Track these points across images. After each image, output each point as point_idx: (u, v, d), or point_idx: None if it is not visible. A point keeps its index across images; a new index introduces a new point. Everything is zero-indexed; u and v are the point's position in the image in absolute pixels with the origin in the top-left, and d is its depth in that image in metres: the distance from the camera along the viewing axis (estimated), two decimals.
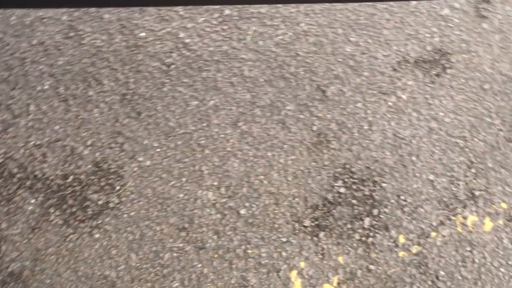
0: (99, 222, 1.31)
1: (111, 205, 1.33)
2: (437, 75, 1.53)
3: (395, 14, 1.58)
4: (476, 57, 1.55)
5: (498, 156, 1.45)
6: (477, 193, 1.41)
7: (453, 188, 1.41)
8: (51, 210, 1.31)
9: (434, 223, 1.37)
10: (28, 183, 1.33)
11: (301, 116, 1.46)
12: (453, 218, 1.38)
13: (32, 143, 1.37)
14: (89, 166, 1.36)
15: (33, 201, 1.31)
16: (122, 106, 1.42)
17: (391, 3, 1.58)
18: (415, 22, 1.58)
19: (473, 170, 1.43)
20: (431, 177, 1.42)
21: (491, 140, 1.47)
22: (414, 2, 1.57)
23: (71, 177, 1.34)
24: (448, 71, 1.53)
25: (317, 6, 1.54)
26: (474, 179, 1.43)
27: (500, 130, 1.48)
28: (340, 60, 1.52)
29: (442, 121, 1.48)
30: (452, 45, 1.56)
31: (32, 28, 1.52)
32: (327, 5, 1.56)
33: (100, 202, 1.33)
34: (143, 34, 1.49)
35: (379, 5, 1.58)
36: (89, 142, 1.38)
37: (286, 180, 1.40)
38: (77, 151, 1.37)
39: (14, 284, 1.25)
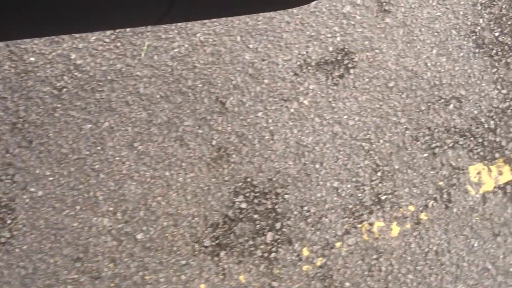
0: None
1: (2, 240, 1.28)
2: (340, 76, 1.48)
3: (295, 16, 1.52)
4: (379, 54, 1.50)
5: (404, 156, 1.41)
6: (383, 197, 1.37)
7: (358, 194, 1.37)
8: None
9: (339, 233, 1.33)
10: None
11: (200, 131, 1.41)
12: (359, 225, 1.34)
13: None
14: None
15: None
16: (13, 136, 1.37)
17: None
18: (315, 23, 1.52)
19: (379, 174, 1.39)
20: (336, 184, 1.38)
21: (397, 140, 1.42)
22: (314, 2, 1.52)
23: None
24: (352, 71, 1.48)
25: None
26: (380, 182, 1.38)
27: (406, 129, 1.43)
28: (239, 69, 1.47)
29: (346, 124, 1.43)
30: (354, 44, 1.51)
31: None
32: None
33: None
34: (32, 59, 1.44)
35: None
36: None
37: (185, 199, 1.35)
38: None
39: None
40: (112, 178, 1.35)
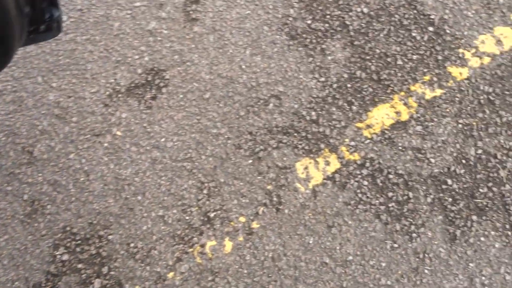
0: None
1: None
2: (153, 98, 1.41)
3: (98, 43, 1.43)
4: (192, 66, 1.44)
5: (229, 167, 1.36)
6: (212, 214, 1.32)
7: (186, 218, 1.31)
8: None
9: (171, 262, 1.27)
10: None
11: (9, 188, 1.31)
12: (190, 250, 1.28)
13: None
14: None
15: None
16: None
17: (92, 31, 1.44)
18: (121, 46, 1.43)
19: (205, 191, 1.34)
20: (161, 212, 1.32)
21: (219, 153, 1.37)
22: (118, 24, 1.44)
23: None
24: (164, 90, 1.41)
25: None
26: (208, 200, 1.33)
27: (228, 138, 1.39)
28: (44, 112, 1.37)
29: (165, 147, 1.37)
30: (164, 61, 1.44)
31: None
32: (19, 53, 1.41)
33: None
34: None
35: (79, 38, 1.44)
36: None
37: (1, 265, 1.26)
38: None
39: None
40: None
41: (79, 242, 1.25)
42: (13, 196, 1.27)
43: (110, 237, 1.25)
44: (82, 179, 1.29)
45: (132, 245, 1.25)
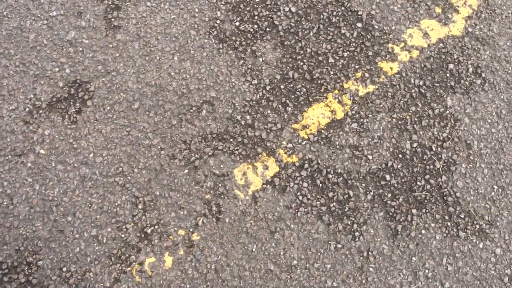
0: None
1: None
2: (78, 112, 1.39)
3: (13, 56, 1.40)
4: (117, 76, 1.43)
5: (164, 179, 1.38)
6: (149, 230, 1.33)
7: (122, 235, 1.32)
8: None
9: (108, 284, 1.26)
10: None
11: None
12: (128, 269, 1.29)
13: None
14: None
15: None
16: None
17: (5, 45, 1.40)
18: (39, 59, 1.41)
19: (140, 206, 1.34)
20: (94, 232, 1.31)
21: (153, 165, 1.38)
22: (32, 35, 1.41)
23: None
24: (89, 102, 1.40)
25: None
26: (143, 215, 1.34)
27: (161, 149, 1.40)
28: None
29: (94, 163, 1.36)
30: (87, 72, 1.42)
31: None
32: None
33: None
34: None
35: None
36: None
37: None
38: None
39: None
40: None
41: (5, 271, 1.22)
42: None
43: (40, 262, 1.24)
44: (5, 203, 1.27)
45: (64, 269, 1.24)
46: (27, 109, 1.34)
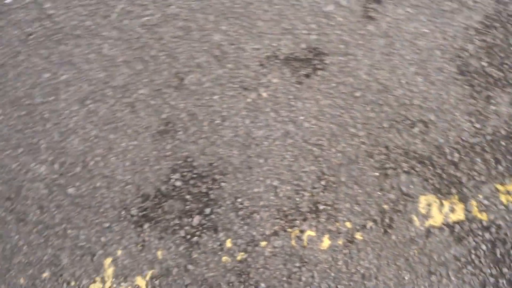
0: None
1: None
2: (307, 75, 1.56)
3: (274, 5, 1.61)
4: (353, 60, 1.57)
5: (354, 171, 1.47)
6: (321, 207, 1.44)
7: (296, 199, 1.45)
8: None
9: (267, 232, 1.42)
10: None
11: (152, 102, 1.53)
12: (289, 230, 1.42)
13: None
14: None
15: None
16: None
17: None
18: (294, 16, 1.61)
19: (323, 182, 1.46)
20: (276, 183, 1.46)
21: (350, 153, 1.49)
22: None
23: None
24: (319, 72, 1.56)
25: None
26: (322, 192, 1.46)
27: (363, 143, 1.50)
28: (205, 48, 1.58)
29: (301, 125, 1.51)
30: (329, 45, 1.58)
31: None
32: None
33: None
34: (8, 1, 1.61)
35: None
36: None
37: (123, 165, 1.48)
38: None
39: None
40: (58, 130, 1.50)
41: (195, 176, 1.44)
42: (153, 110, 1.49)
43: (223, 184, 1.43)
44: (217, 121, 1.48)
45: (239, 200, 1.42)
46: (266, 54, 1.55)
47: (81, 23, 1.57)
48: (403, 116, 1.51)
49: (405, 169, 1.46)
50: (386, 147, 1.48)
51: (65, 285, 1.37)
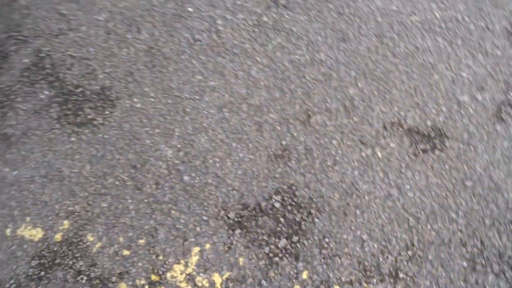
0: (80, 130, 1.77)
1: (95, 122, 1.79)
2: (424, 150, 1.69)
3: (412, 79, 1.79)
4: (473, 152, 1.67)
5: (443, 253, 1.54)
6: (401, 275, 1.52)
7: (380, 258, 1.55)
8: (54, 105, 1.81)
9: (343, 279, 1.52)
10: (50, 78, 1.86)
11: (278, 128, 1.75)
12: (364, 284, 1.51)
13: (68, 53, 1.91)
14: (97, 87, 1.84)
15: (46, 92, 1.84)
16: (145, 56, 1.90)
17: (415, 69, 1.80)
18: (428, 95, 1.77)
19: (410, 253, 1.55)
20: (365, 236, 1.58)
21: (444, 235, 1.57)
22: (436, 77, 1.77)
23: (80, 89, 1.84)
24: (437, 152, 1.68)
25: (343, 44, 1.84)
26: (407, 261, 1.54)
27: (460, 230, 1.57)
28: (338, 97, 1.79)
29: (405, 193, 1.63)
30: (453, 131, 1.71)
31: None
32: (352, 45, 1.85)
33: (89, 116, 1.79)
34: (190, 9, 1.97)
35: (400, 66, 1.81)
36: (107, 70, 1.88)
37: (235, 172, 1.69)
38: (95, 72, 1.87)
39: (1, 143, 1.77)
40: (193, 125, 1.77)
41: (293, 203, 1.62)
42: (276, 135, 1.72)
43: (316, 220, 1.59)
44: (329, 163, 1.67)
45: (326, 240, 1.56)
46: (392, 120, 1.73)
47: (241, 44, 1.88)
48: (508, 219, 1.58)
49: (495, 271, 1.51)
50: (482, 243, 1.55)
51: (154, 256, 1.58)
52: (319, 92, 1.81)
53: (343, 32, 1.90)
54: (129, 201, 1.66)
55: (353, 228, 1.59)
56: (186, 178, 1.69)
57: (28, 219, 1.62)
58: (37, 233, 1.61)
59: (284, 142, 1.73)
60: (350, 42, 1.89)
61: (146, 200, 1.66)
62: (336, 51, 1.87)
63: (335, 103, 1.79)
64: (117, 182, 1.69)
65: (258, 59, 1.87)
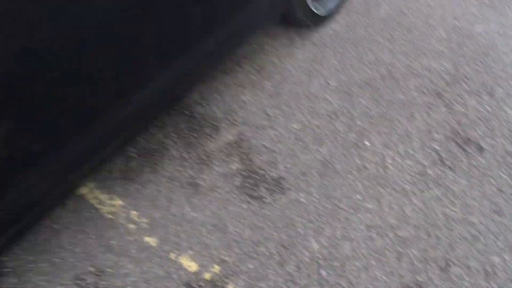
0: (251, 201, 2.26)
1: (264, 200, 2.26)
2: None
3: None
4: None
5: None
6: None
7: None
8: (239, 176, 2.37)
9: None
10: (243, 156, 2.46)
11: (416, 263, 1.97)
12: None
13: (263, 143, 2.53)
14: (275, 175, 2.36)
15: (237, 165, 2.42)
16: (320, 165, 2.39)
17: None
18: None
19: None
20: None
21: None
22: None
23: (262, 171, 2.38)
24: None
25: (496, 216, 2.05)
26: None
27: None
28: (481, 259, 1.95)
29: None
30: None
31: None
32: (505, 221, 2.04)
33: (261, 194, 2.28)
34: (367, 143, 2.47)
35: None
36: (287, 165, 2.40)
37: (366, 285, 1.90)
38: (278, 164, 2.42)
39: (192, 189, 2.33)
40: (342, 232, 2.12)
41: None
42: (413, 268, 1.95)
43: None
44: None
45: None
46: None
47: (402, 184, 2.27)
48: None
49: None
50: None
51: None
52: (463, 248, 2.02)
53: (499, 207, 2.15)
54: (271, 271, 1.99)
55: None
56: (323, 272, 1.98)
57: (190, 252, 2.06)
58: (193, 266, 2.02)
59: (419, 278, 1.93)
60: (504, 217, 2.11)
61: (284, 277, 1.97)
62: (488, 220, 2.11)
63: (476, 263, 1.96)
64: (266, 252, 2.06)
65: (414, 201, 2.20)
